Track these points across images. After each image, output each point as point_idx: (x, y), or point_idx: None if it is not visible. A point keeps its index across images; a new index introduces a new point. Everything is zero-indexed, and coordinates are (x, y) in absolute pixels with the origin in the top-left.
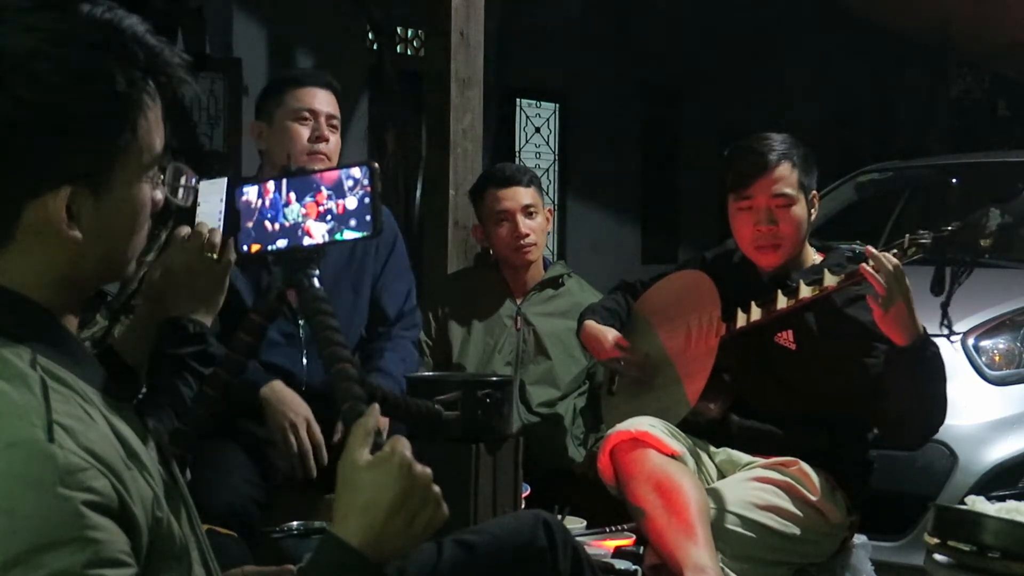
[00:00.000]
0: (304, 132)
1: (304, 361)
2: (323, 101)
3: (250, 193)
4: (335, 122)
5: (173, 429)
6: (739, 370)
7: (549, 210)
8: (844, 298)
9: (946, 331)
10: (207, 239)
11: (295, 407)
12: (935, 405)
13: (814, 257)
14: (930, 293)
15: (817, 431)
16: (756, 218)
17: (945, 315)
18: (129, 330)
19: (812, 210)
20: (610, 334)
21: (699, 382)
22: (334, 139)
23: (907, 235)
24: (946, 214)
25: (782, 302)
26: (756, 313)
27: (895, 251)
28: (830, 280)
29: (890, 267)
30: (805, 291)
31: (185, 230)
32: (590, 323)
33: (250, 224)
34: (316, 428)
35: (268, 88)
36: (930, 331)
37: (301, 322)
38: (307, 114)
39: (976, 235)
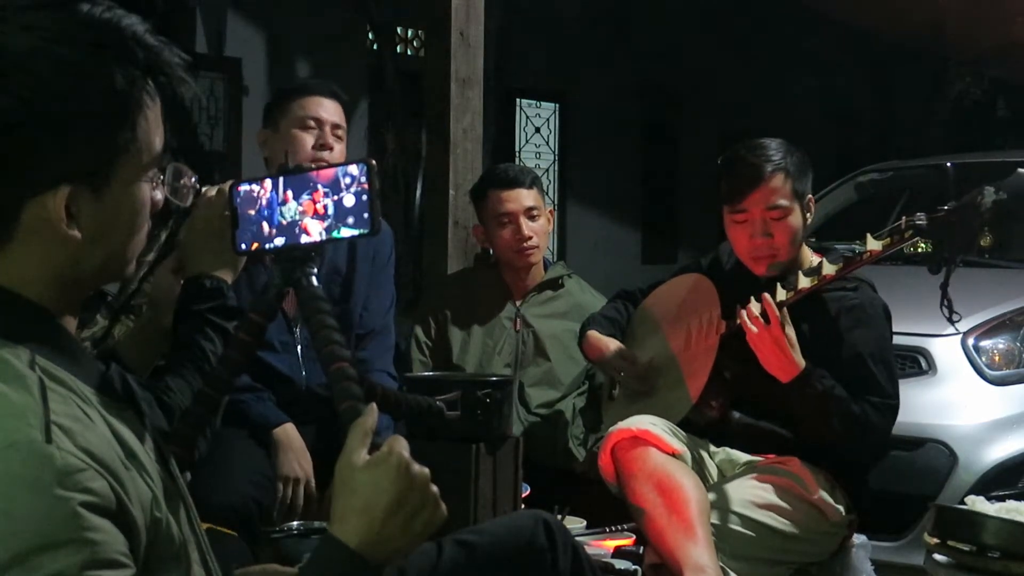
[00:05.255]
0: (309, 140)
1: (303, 371)
2: (329, 110)
3: (248, 192)
4: (340, 132)
5: (173, 428)
6: (739, 369)
7: (550, 211)
8: (838, 307)
9: (946, 312)
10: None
11: (301, 460)
12: (833, 435)
13: (811, 259)
14: (924, 289)
15: None
16: (751, 231)
17: (945, 295)
18: (131, 333)
19: (808, 215)
20: (612, 345)
21: (700, 380)
22: (339, 148)
23: (903, 217)
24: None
25: (781, 294)
26: (756, 308)
27: (893, 236)
28: (828, 269)
29: (757, 328)
30: (804, 281)
31: (212, 190)
32: (592, 333)
33: (249, 222)
34: (312, 485)
35: (275, 97)
36: (932, 322)
37: (297, 330)
38: (312, 122)
39: (972, 214)
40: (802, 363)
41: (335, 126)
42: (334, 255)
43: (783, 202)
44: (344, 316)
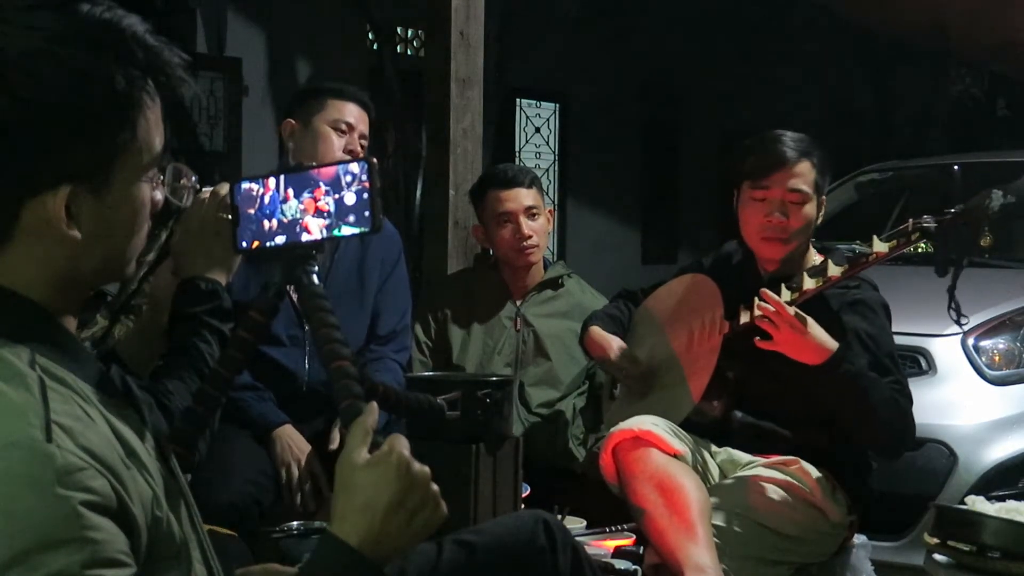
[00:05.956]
0: (339, 142)
1: (307, 363)
2: (361, 119)
3: (249, 190)
4: (364, 142)
5: (174, 427)
6: (741, 369)
7: (550, 211)
8: (840, 303)
9: (954, 315)
10: (224, 200)
11: (300, 446)
12: (873, 419)
13: (815, 258)
14: (924, 289)
15: (817, 430)
16: (768, 209)
17: (952, 298)
18: (132, 333)
19: (820, 214)
20: (615, 342)
21: (702, 380)
22: None
23: (910, 220)
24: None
25: (786, 295)
26: (759, 309)
27: (899, 238)
28: (833, 270)
29: (773, 309)
30: (809, 283)
31: (206, 192)
32: (595, 330)
33: (249, 220)
34: (317, 465)
35: (309, 92)
36: (932, 322)
37: (307, 325)
38: (344, 126)
39: (979, 217)
40: (834, 344)
41: (362, 135)
42: (346, 262)
43: (805, 188)
44: (360, 319)
